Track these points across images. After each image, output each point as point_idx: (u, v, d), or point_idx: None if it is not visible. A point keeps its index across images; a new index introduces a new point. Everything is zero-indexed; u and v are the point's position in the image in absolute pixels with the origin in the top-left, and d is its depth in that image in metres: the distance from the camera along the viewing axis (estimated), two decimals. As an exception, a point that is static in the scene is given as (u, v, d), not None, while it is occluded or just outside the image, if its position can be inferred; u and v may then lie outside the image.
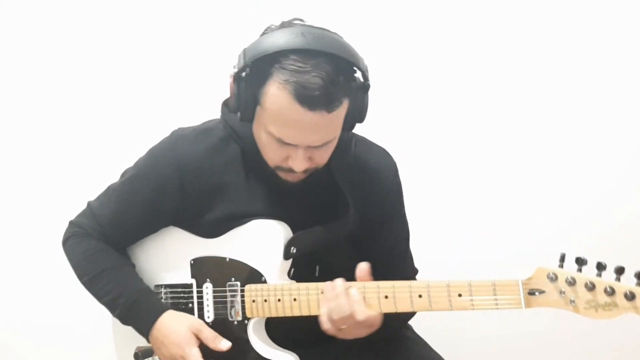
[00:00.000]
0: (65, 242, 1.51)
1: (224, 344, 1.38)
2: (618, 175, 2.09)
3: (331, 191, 1.42)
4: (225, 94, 1.44)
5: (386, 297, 1.27)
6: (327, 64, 1.21)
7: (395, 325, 1.46)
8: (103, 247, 1.47)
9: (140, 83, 2.11)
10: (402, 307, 1.26)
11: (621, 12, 2.02)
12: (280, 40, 1.23)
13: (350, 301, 1.26)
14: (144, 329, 1.42)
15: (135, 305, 1.42)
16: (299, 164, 1.30)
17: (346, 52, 1.25)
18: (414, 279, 1.54)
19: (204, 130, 1.45)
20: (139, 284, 1.46)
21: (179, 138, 1.44)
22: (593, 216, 2.09)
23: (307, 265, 1.42)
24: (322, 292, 1.32)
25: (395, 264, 1.50)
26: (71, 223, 1.53)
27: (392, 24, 2.05)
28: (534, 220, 2.09)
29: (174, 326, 1.40)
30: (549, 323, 2.03)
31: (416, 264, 1.56)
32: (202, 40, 2.08)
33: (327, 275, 1.34)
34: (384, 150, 1.52)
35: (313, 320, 1.33)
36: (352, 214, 1.41)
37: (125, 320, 1.44)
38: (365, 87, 1.30)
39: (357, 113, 1.31)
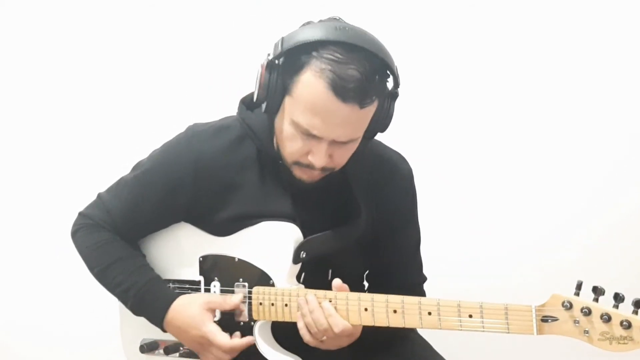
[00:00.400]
0: (75, 233, 1.50)
1: (236, 297, 1.38)
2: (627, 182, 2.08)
3: (345, 195, 1.40)
4: (239, 91, 1.41)
5: (395, 311, 1.25)
6: (365, 60, 1.19)
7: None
8: (113, 239, 1.46)
9: (151, 78, 2.11)
10: (411, 323, 1.24)
11: (621, 12, 2.01)
12: (321, 31, 1.22)
13: (325, 314, 1.28)
14: (157, 319, 1.41)
15: (147, 296, 1.41)
16: (320, 159, 1.27)
17: (384, 54, 1.24)
18: (422, 286, 1.53)
19: (220, 127, 1.42)
20: (149, 274, 1.44)
21: (194, 135, 1.42)
22: (600, 220, 2.09)
23: (319, 268, 1.41)
24: (330, 300, 1.29)
25: (404, 268, 1.49)
26: (81, 214, 1.51)
27: (396, 28, 2.03)
28: (541, 227, 2.10)
29: (187, 310, 1.39)
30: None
31: (425, 272, 1.54)
32: (213, 36, 2.08)
33: (341, 275, 1.33)
34: (400, 155, 1.50)
35: None
36: (363, 219, 1.39)
37: (137, 312, 1.44)
38: (394, 94, 1.28)
39: (382, 120, 1.29)
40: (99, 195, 1.50)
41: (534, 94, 2.05)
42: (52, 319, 2.18)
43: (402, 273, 1.48)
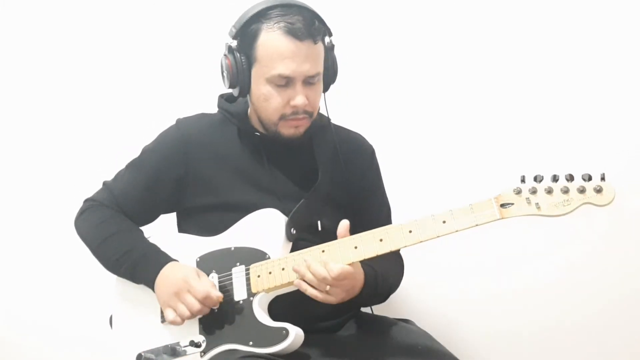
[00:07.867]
0: (80, 215, 1.67)
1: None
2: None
3: (310, 163, 1.64)
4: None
5: (381, 240, 1.44)
6: (302, 9, 1.52)
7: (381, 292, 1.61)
8: (117, 215, 1.64)
9: (143, 81, 2.25)
10: (397, 245, 1.43)
11: (618, 11, 2.13)
12: (260, 5, 1.51)
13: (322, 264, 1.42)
14: (152, 276, 1.54)
15: (145, 257, 1.57)
16: (301, 98, 1.52)
17: (316, 13, 1.53)
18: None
19: (204, 114, 1.72)
20: (149, 243, 1.61)
21: (182, 120, 1.70)
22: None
23: (308, 224, 1.58)
24: (323, 251, 1.46)
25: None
26: (86, 200, 1.69)
27: (379, 20, 2.21)
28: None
29: (180, 266, 1.55)
30: (552, 319, 2.14)
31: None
32: (206, 44, 2.13)
33: (329, 227, 1.52)
34: (361, 135, 1.78)
35: (319, 307, 1.47)
36: (323, 176, 1.61)
37: (133, 272, 1.57)
38: (331, 46, 1.59)
39: (331, 71, 1.60)
40: (104, 183, 1.71)
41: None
42: (52, 317, 2.15)
43: None
